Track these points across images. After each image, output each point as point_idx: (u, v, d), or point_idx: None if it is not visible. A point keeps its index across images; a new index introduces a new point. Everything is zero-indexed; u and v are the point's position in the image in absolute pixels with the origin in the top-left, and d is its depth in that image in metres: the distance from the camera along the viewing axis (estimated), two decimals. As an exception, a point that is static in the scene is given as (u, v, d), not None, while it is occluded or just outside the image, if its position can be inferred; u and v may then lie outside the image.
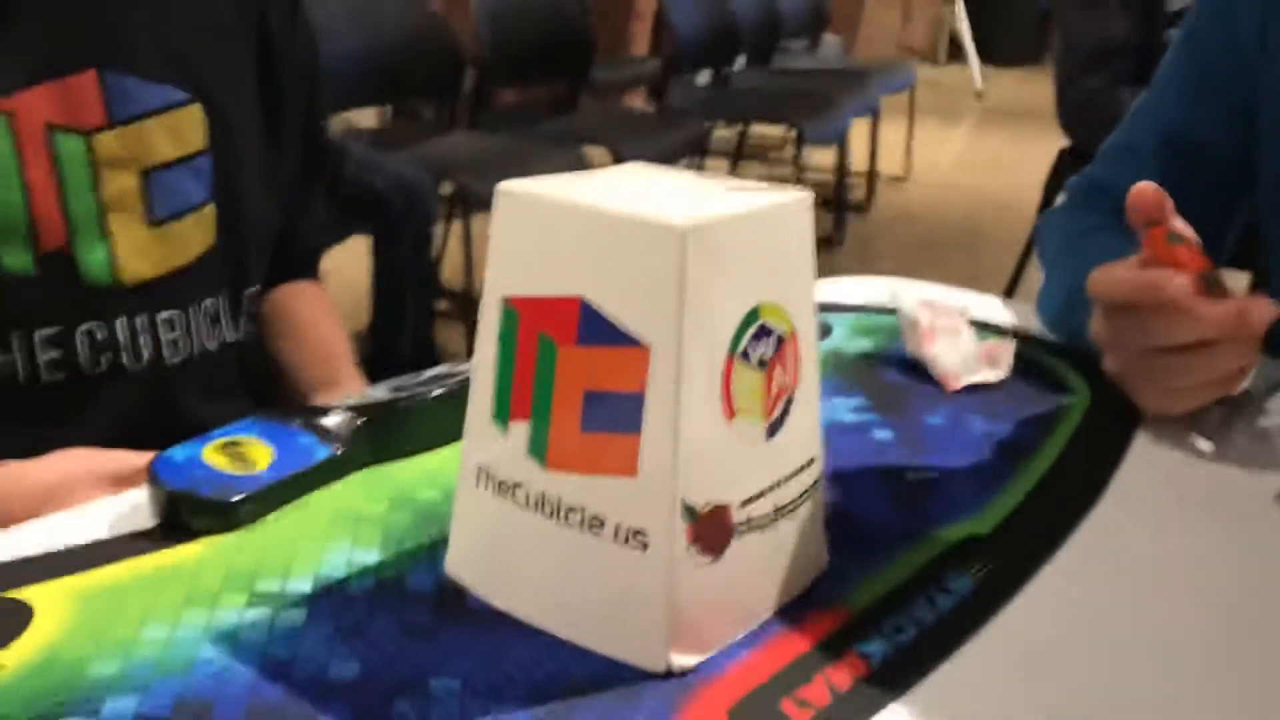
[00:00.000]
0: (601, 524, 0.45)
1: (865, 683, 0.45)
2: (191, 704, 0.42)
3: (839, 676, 0.45)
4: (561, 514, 0.46)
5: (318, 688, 0.43)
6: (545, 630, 0.48)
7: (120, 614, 0.48)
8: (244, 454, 0.58)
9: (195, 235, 0.83)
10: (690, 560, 0.44)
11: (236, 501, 0.55)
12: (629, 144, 3.00)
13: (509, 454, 0.47)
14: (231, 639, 0.46)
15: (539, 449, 0.46)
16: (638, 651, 0.45)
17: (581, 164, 2.85)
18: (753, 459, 0.46)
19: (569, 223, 0.44)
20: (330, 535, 0.55)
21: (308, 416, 0.61)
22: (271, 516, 0.56)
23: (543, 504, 0.46)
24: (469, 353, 0.72)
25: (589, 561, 0.45)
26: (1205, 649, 0.48)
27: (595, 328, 0.43)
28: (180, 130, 0.81)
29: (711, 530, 0.45)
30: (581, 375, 0.44)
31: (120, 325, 0.79)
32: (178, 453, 0.57)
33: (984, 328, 0.84)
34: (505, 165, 2.71)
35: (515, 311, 0.46)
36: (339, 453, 0.60)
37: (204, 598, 0.49)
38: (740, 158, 4.47)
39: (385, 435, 0.62)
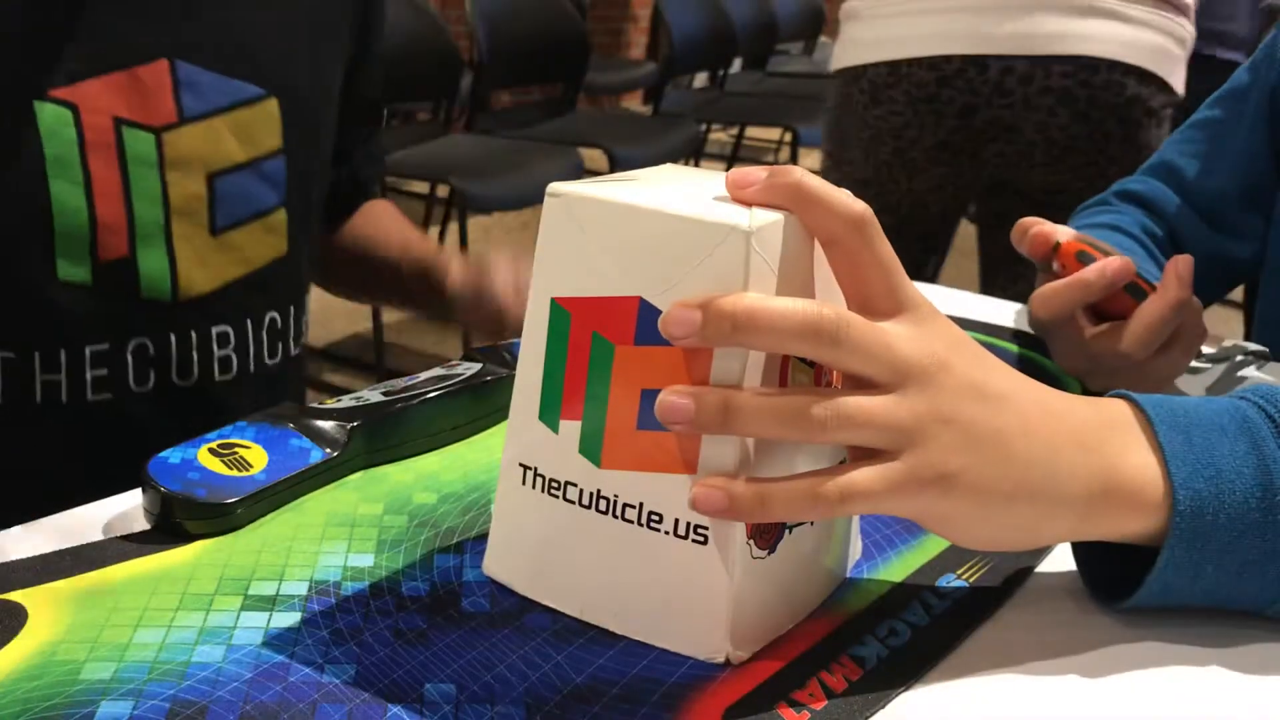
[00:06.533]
0: (660, 519, 0.45)
1: (860, 685, 0.45)
2: (185, 708, 0.42)
3: (834, 680, 0.45)
4: (617, 510, 0.46)
5: (312, 692, 0.43)
6: (599, 625, 0.48)
7: (114, 617, 0.48)
8: (239, 457, 0.58)
9: (261, 243, 0.77)
10: (748, 553, 0.45)
11: (231, 504, 0.55)
12: (625, 146, 3.01)
13: (559, 453, 0.47)
14: (226, 643, 0.46)
15: (592, 448, 0.46)
16: (696, 643, 0.46)
17: (578, 166, 2.85)
18: (805, 453, 0.47)
19: (628, 224, 0.44)
20: (325, 538, 0.55)
21: (302, 419, 0.61)
22: (266, 519, 0.56)
23: (597, 501, 0.47)
24: (463, 354, 0.72)
25: (646, 556, 0.46)
26: (1203, 647, 0.48)
27: (655, 328, 0.43)
28: (251, 129, 0.75)
29: (767, 524, 0.46)
30: (639, 374, 0.44)
31: (173, 341, 0.73)
32: (172, 455, 0.57)
33: (978, 329, 0.85)
34: (501, 167, 2.71)
35: (566, 312, 0.46)
36: (334, 455, 0.60)
37: (198, 601, 0.49)
38: (736, 160, 4.47)
39: (380, 438, 0.62)
